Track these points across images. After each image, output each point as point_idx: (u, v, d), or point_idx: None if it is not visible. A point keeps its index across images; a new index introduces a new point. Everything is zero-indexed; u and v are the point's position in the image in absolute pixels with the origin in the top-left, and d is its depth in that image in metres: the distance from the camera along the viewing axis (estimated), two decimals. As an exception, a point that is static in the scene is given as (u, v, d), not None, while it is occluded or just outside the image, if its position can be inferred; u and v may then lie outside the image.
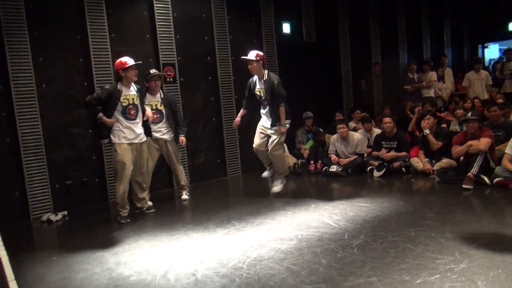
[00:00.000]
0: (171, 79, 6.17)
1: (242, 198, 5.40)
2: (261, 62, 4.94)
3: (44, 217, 4.90)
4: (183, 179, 5.52)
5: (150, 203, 4.97)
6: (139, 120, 4.72)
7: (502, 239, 3.27)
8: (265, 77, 4.96)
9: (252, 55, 4.94)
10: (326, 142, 7.03)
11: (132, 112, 4.64)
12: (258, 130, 5.21)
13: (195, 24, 6.49)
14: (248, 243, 3.62)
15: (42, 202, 5.14)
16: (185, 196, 5.48)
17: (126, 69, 4.57)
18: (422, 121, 6.00)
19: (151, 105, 5.14)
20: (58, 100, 5.35)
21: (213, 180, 6.57)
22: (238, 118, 5.28)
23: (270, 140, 5.09)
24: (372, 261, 3.02)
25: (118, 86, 4.59)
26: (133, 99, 4.65)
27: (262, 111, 5.15)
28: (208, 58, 6.63)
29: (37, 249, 4.19)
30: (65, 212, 5.07)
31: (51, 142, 5.25)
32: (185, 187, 5.53)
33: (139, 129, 4.72)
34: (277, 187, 5.25)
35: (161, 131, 5.24)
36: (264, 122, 5.13)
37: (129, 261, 3.39)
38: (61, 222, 4.89)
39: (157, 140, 5.22)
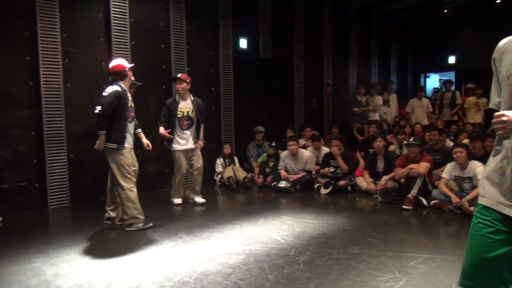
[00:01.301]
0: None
1: (189, 210, 5.32)
2: (189, 84, 5.42)
3: (-25, 223, 4.54)
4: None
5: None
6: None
7: (436, 258, 3.48)
8: (191, 97, 5.48)
9: (184, 76, 5.43)
10: (279, 157, 7.14)
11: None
12: (180, 155, 5.42)
13: (152, 31, 6.41)
14: (195, 256, 3.58)
15: (-27, 207, 4.77)
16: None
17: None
18: (374, 142, 6.28)
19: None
20: (1, 96, 5.04)
21: (163, 189, 6.42)
22: (167, 133, 5.34)
23: (197, 156, 5.52)
24: (317, 277, 3.10)
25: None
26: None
27: (181, 131, 5.39)
28: (164, 66, 6.56)
29: (-36, 257, 3.87)
30: (0, 218, 4.73)
31: (-13, 143, 4.92)
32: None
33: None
34: (201, 199, 5.62)
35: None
36: (186, 142, 5.42)
37: (68, 272, 3.23)
38: (-6, 229, 4.56)
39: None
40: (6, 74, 5.09)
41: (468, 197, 4.85)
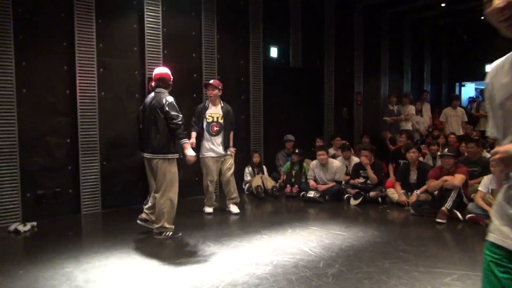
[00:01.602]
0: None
1: (218, 219, 5.33)
2: (221, 91, 5.46)
3: (12, 227, 4.70)
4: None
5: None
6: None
7: (472, 275, 3.32)
8: (222, 104, 5.50)
9: (216, 82, 5.48)
10: (303, 165, 7.06)
11: None
12: (209, 161, 5.38)
13: (184, 40, 6.52)
14: (223, 266, 3.57)
15: (11, 211, 4.94)
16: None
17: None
18: (407, 153, 6.12)
19: None
20: (38, 106, 5.23)
21: (191, 197, 6.45)
22: (194, 140, 5.24)
23: (227, 165, 5.48)
24: (346, 292, 3.02)
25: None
26: None
27: (210, 137, 5.39)
28: (195, 75, 6.65)
29: (2, 260, 4.00)
30: (34, 223, 4.88)
31: (26, 149, 5.10)
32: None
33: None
34: (237, 209, 5.54)
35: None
36: (214, 148, 5.41)
37: (99, 279, 3.29)
38: (29, 233, 4.71)
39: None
40: (44, 83, 5.28)
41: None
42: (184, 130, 4.38)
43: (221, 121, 5.43)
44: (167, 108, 4.24)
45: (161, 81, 4.46)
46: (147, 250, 4.00)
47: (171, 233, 4.38)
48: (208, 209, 5.55)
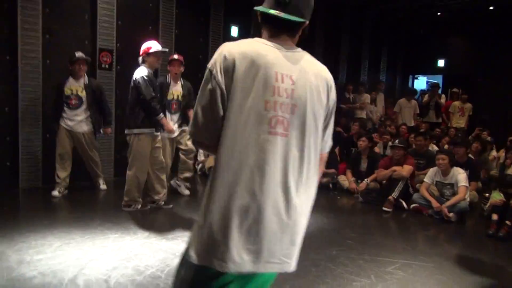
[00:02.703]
0: (107, 66, 5.81)
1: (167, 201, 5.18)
2: (183, 67, 5.13)
3: None
4: (100, 168, 5.38)
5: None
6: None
7: (413, 265, 3.44)
8: (182, 81, 5.16)
9: (181, 58, 5.08)
10: None
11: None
12: (164, 141, 4.94)
13: (140, 12, 6.19)
14: (169, 249, 3.46)
15: None
16: (103, 185, 5.36)
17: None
18: (358, 141, 6.23)
19: (72, 90, 4.89)
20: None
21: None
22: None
23: (186, 139, 5.16)
24: (293, 279, 3.00)
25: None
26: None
27: (169, 115, 5.02)
28: (150, 49, 6.33)
29: None
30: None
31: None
32: (101, 176, 5.42)
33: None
34: (187, 190, 5.37)
35: (76, 120, 4.94)
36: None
37: (34, 260, 3.07)
38: (-41, 207, 4.35)
39: (69, 130, 4.95)
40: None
41: (448, 203, 4.84)
42: (157, 104, 4.33)
43: (181, 99, 5.12)
44: (137, 84, 4.26)
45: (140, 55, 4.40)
46: (87, 231, 3.79)
47: (139, 206, 4.48)
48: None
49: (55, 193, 4.80)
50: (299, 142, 1.46)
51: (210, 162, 6.58)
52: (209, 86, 1.41)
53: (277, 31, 1.51)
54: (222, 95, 1.40)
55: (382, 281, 3.09)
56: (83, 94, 4.94)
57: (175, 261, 3.17)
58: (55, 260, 3.08)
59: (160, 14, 6.33)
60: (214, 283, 1.45)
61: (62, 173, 4.88)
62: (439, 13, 10.45)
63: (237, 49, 1.45)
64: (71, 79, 4.90)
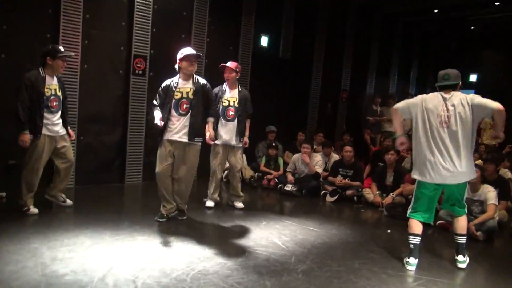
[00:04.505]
0: (140, 72, 6.00)
1: (194, 205, 5.28)
2: (239, 74, 5.13)
3: (-21, 197, 4.53)
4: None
5: None
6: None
7: (438, 282, 3.39)
8: (239, 88, 5.15)
9: (233, 65, 5.06)
10: (278, 160, 7.10)
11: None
12: (218, 150, 5.05)
13: (174, 20, 6.38)
14: (194, 254, 3.54)
15: (-20, 180, 4.78)
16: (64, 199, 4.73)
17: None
18: (386, 155, 6.18)
19: (51, 90, 4.28)
20: (15, 74, 5.01)
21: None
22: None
23: (238, 155, 5.13)
24: (315, 289, 3.04)
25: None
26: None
27: (225, 123, 5.02)
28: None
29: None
30: (4, 194, 4.74)
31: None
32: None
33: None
34: (241, 203, 5.29)
35: (58, 124, 4.41)
36: (225, 135, 5.04)
37: (66, 257, 3.21)
38: (-3, 203, 4.57)
39: (50, 136, 4.33)
40: (25, 48, 5.07)
41: (476, 221, 4.73)
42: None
43: (237, 105, 5.07)
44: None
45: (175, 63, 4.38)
46: (118, 232, 3.92)
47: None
48: (210, 203, 5.21)
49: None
50: None
51: (248, 172, 6.71)
52: None
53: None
54: None
55: (406, 297, 3.07)
56: (60, 94, 4.37)
57: (200, 265, 3.26)
58: (86, 259, 3.21)
59: (193, 22, 6.50)
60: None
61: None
62: (472, 27, 10.28)
63: None
64: (47, 77, 4.22)
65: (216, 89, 5.06)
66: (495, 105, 3.41)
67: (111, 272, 3.01)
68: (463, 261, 3.76)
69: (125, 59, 5.90)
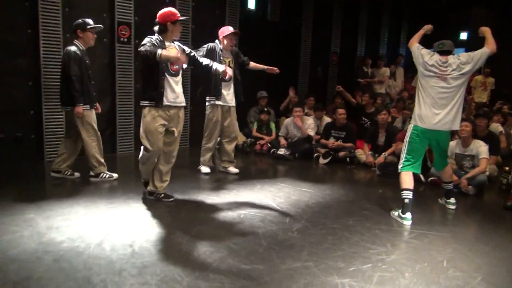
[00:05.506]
0: (126, 40, 5.85)
1: (186, 171, 5.28)
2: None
3: (-31, 171, 4.49)
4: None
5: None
6: None
7: (430, 234, 3.48)
8: (233, 50, 5.12)
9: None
10: (270, 125, 7.09)
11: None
12: (214, 113, 5.00)
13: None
14: (190, 217, 3.57)
15: (-32, 154, 4.72)
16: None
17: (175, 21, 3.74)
18: (378, 115, 6.20)
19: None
20: (-3, 44, 4.89)
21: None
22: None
23: (233, 117, 5.12)
24: (310, 246, 3.09)
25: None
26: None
27: (222, 86, 4.96)
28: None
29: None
30: (-6, 167, 4.71)
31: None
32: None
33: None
34: (235, 169, 5.28)
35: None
36: (225, 98, 5.02)
37: (62, 226, 3.22)
38: (-11, 177, 4.54)
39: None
40: (5, 20, 4.90)
41: (468, 175, 4.82)
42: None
43: (232, 65, 5.03)
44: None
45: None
46: (112, 199, 3.93)
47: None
48: (205, 169, 5.22)
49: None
50: None
51: (241, 138, 6.61)
52: None
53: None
54: None
55: (398, 249, 3.15)
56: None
57: (196, 229, 3.29)
58: (81, 227, 3.22)
59: (177, -14, 6.29)
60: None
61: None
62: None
63: None
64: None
65: (210, 46, 4.94)
66: (484, 50, 3.87)
67: (107, 238, 3.03)
68: (454, 202, 4.27)
69: (109, 26, 5.73)
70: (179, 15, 3.77)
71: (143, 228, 3.25)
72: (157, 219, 3.50)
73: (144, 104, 3.72)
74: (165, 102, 3.70)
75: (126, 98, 5.97)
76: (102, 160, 4.63)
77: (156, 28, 3.78)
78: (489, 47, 3.84)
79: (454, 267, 2.87)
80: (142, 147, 3.83)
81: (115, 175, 4.67)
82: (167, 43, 3.76)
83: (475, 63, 3.82)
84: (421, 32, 4.33)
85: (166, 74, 3.70)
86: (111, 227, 3.25)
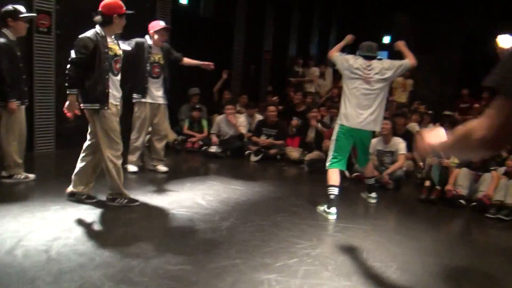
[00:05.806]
0: (45, 30, 5.45)
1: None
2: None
3: None
4: None
5: None
6: None
7: (353, 228, 3.65)
8: (164, 46, 4.99)
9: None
10: (202, 122, 7.02)
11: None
12: (143, 110, 4.87)
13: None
14: (113, 219, 3.42)
15: None
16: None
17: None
18: (309, 113, 6.38)
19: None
20: None
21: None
22: None
23: (163, 114, 5.00)
24: (239, 243, 3.10)
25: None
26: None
27: (151, 80, 4.87)
28: (93, 14, 5.99)
29: None
30: None
31: None
32: None
33: None
34: (164, 167, 5.14)
35: None
36: (154, 96, 4.90)
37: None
38: None
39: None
40: None
41: (389, 170, 5.14)
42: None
43: (162, 62, 4.93)
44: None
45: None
46: (27, 202, 3.64)
47: (125, 200, 3.76)
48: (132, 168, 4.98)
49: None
50: None
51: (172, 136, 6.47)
52: None
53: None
54: None
55: (323, 243, 3.27)
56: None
57: (121, 230, 3.16)
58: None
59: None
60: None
61: None
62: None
63: None
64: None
65: (138, 41, 4.83)
66: (406, 62, 4.20)
67: (20, 244, 2.80)
68: (375, 197, 4.52)
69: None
70: (125, 8, 3.59)
71: (61, 232, 3.04)
72: (78, 221, 3.30)
73: None
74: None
75: (45, 92, 5.57)
76: (20, 162, 4.25)
77: (98, 18, 3.54)
78: (410, 60, 4.15)
79: (373, 257, 3.04)
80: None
81: (32, 176, 4.32)
82: (108, 39, 3.56)
83: (395, 71, 4.12)
84: (342, 44, 4.62)
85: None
86: (25, 232, 3.00)
